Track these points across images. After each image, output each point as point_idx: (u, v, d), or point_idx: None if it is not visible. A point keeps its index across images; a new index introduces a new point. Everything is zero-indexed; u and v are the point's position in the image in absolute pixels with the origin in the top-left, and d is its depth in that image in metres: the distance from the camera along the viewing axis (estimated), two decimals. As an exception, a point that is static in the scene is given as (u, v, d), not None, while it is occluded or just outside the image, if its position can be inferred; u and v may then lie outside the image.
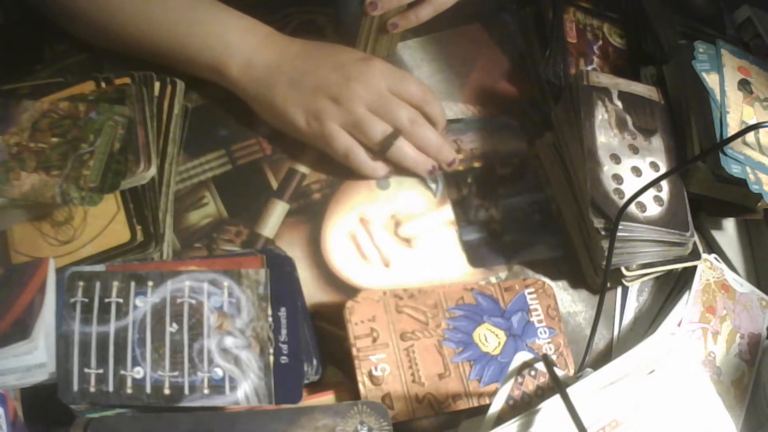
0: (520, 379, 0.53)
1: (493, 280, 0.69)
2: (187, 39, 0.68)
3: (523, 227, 0.72)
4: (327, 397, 0.59)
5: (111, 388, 0.52)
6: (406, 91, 0.70)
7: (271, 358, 0.56)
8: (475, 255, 0.70)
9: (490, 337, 0.63)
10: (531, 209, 0.73)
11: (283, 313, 0.58)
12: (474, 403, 0.61)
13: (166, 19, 0.68)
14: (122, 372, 0.53)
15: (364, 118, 0.67)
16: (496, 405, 0.52)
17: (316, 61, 0.69)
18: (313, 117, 0.68)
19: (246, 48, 0.68)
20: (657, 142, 0.70)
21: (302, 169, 0.71)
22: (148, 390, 0.53)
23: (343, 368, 0.62)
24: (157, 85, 0.67)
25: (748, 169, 0.66)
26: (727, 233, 0.75)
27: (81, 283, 0.55)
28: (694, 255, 0.69)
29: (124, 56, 0.70)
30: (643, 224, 0.64)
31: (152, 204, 0.63)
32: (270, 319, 0.58)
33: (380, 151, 0.69)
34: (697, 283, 0.69)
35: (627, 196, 0.65)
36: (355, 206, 0.70)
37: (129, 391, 0.53)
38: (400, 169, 0.71)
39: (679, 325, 0.67)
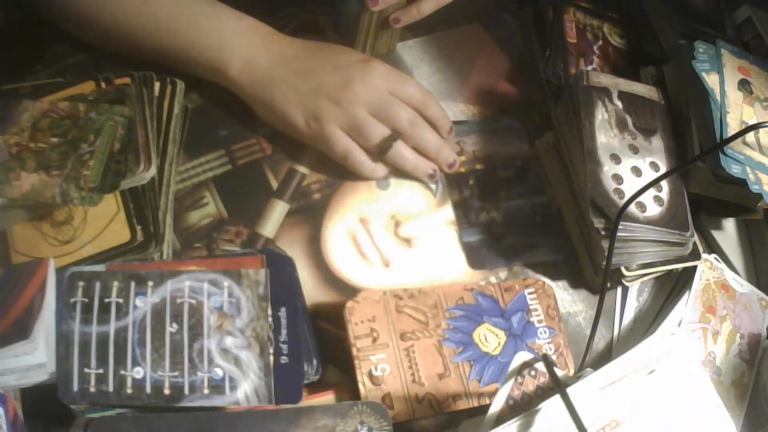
0: (520, 379, 0.53)
1: (493, 280, 0.69)
2: (187, 39, 0.68)
3: (524, 230, 0.72)
4: (327, 397, 0.59)
5: (111, 388, 0.52)
6: (406, 94, 0.69)
7: (271, 358, 0.56)
8: (476, 257, 0.70)
9: (490, 337, 0.63)
10: (532, 212, 0.73)
11: (283, 313, 0.58)
12: (474, 403, 0.61)
13: (166, 19, 0.68)
14: (122, 372, 0.53)
15: (363, 120, 0.67)
16: (496, 405, 0.52)
17: (317, 62, 0.69)
18: (312, 118, 0.67)
19: (246, 48, 0.68)
20: (657, 142, 0.70)
21: (302, 169, 0.71)
22: (148, 390, 0.53)
23: (343, 368, 0.62)
24: (157, 85, 0.67)
25: (748, 169, 0.66)
26: (727, 233, 0.75)
27: (81, 283, 0.55)
28: (694, 255, 0.69)
29: (124, 56, 0.70)
30: (643, 224, 0.64)
31: (152, 204, 0.63)
32: (270, 319, 0.58)
33: (379, 153, 0.69)
34: (697, 283, 0.69)
35: (627, 196, 0.64)
36: (355, 206, 0.70)
37: (129, 391, 0.53)
38: (400, 171, 0.71)
39: (679, 325, 0.67)
